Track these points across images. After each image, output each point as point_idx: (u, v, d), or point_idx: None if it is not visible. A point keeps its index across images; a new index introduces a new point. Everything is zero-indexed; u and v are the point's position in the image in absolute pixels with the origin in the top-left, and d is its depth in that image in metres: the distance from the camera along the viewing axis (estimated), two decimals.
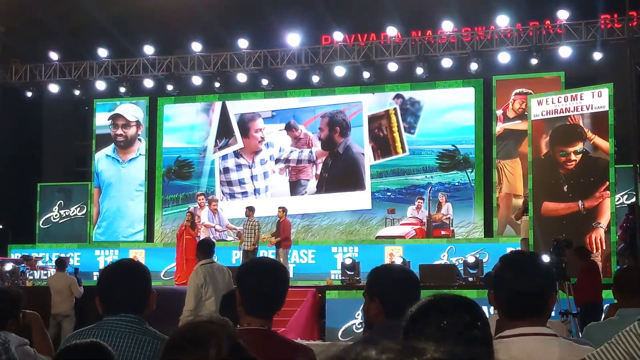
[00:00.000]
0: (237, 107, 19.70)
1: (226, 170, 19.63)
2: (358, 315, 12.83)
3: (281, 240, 14.95)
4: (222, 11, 18.44)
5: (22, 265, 15.87)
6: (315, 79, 18.29)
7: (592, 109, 13.01)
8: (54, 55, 19.70)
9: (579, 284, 10.03)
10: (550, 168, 13.39)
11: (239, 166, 19.55)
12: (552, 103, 13.48)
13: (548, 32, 16.98)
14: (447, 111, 18.34)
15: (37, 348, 4.10)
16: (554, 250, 9.77)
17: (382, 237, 17.15)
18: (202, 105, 20.02)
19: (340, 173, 18.91)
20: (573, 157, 13.10)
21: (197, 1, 18.25)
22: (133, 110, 20.26)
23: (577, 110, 13.20)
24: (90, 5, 17.78)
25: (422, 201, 17.66)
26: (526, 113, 14.64)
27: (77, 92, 19.76)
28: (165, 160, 20.08)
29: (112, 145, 20.27)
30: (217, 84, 18.92)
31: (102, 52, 19.53)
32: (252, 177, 19.47)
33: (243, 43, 18.67)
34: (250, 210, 15.40)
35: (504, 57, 17.22)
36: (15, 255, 17.73)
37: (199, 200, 18.57)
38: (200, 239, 13.18)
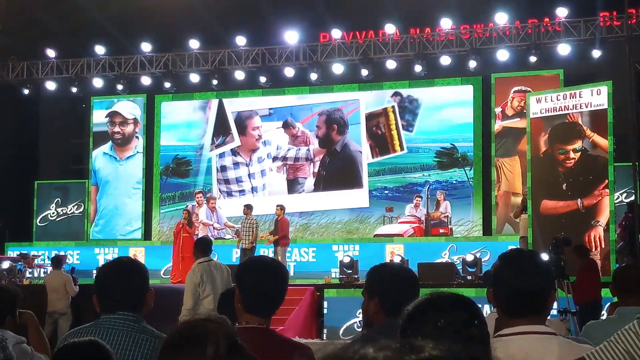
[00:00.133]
0: (234, 105, 19.67)
1: (223, 169, 19.60)
2: (359, 313, 12.81)
3: (279, 239, 14.93)
4: (220, 8, 18.42)
5: (20, 263, 15.85)
6: (314, 76, 18.26)
7: (591, 106, 12.99)
8: (51, 53, 19.65)
9: (578, 283, 10.02)
10: (549, 166, 13.37)
11: (236, 164, 19.52)
12: (551, 101, 13.46)
13: (547, 29, 16.97)
14: (446, 109, 18.32)
15: (33, 347, 4.09)
16: (553, 249, 9.77)
17: (380, 235, 17.14)
18: (199, 103, 19.99)
19: (338, 171, 18.89)
20: (572, 155, 13.08)
21: None
22: (130, 108, 20.22)
23: (576, 108, 13.18)
24: (87, 3, 17.74)
25: (420, 199, 17.64)
26: (525, 111, 14.63)
27: (74, 90, 19.69)
28: (162, 158, 20.05)
29: (110, 142, 20.24)
30: (214, 82, 18.89)
31: (100, 50, 19.48)
32: (249, 175, 19.45)
33: (241, 40, 18.63)
34: (248, 208, 15.38)
35: (502, 55, 17.20)
36: (13, 253, 17.70)
37: (197, 198, 18.52)
38: (198, 237, 13.16)
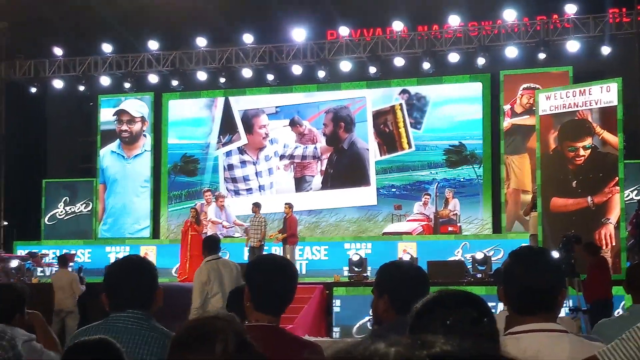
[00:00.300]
0: (240, 103, 19.66)
1: (230, 167, 19.59)
2: (371, 311, 12.75)
3: (288, 237, 14.91)
4: (227, 6, 18.43)
5: (28, 262, 15.89)
6: (321, 74, 18.24)
7: (600, 103, 12.91)
8: (58, 51, 19.68)
9: (589, 281, 9.96)
10: (559, 163, 13.31)
11: (243, 163, 19.51)
12: (560, 98, 13.39)
13: (556, 26, 16.90)
14: (454, 106, 18.27)
15: (42, 345, 4.09)
16: (563, 247, 9.72)
17: (388, 233, 17.10)
18: (206, 101, 19.99)
19: (345, 169, 18.87)
20: (582, 152, 13.01)
21: None
22: (138, 106, 20.23)
23: (585, 105, 13.10)
24: (94, 1, 17.76)
25: (428, 197, 17.60)
26: (534, 108, 14.55)
27: (81, 88, 19.74)
28: (170, 156, 20.05)
29: (117, 141, 20.25)
30: (222, 80, 18.89)
31: (107, 48, 19.49)
32: (256, 173, 19.43)
33: (248, 38, 18.63)
34: (256, 206, 15.36)
35: (511, 52, 17.14)
36: (21, 252, 17.74)
37: (206, 196, 18.48)
38: (207, 235, 13.14)
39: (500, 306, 5.38)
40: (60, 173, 21.02)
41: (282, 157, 19.27)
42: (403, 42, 17.85)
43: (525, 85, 17.34)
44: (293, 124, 19.22)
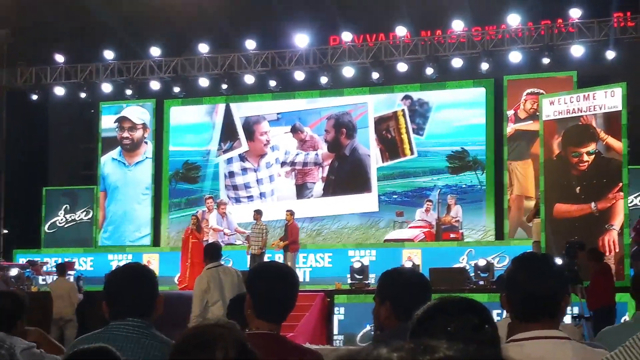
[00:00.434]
0: (241, 110, 19.62)
1: (231, 174, 19.55)
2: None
3: (289, 244, 14.88)
4: (229, 12, 18.42)
5: (28, 270, 15.87)
6: (324, 79, 18.23)
7: (605, 108, 12.87)
8: (59, 58, 19.69)
9: (592, 287, 9.91)
10: (563, 169, 13.27)
11: (244, 170, 19.47)
12: (564, 103, 13.35)
13: (560, 30, 16.86)
14: (457, 112, 18.22)
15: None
16: (566, 253, 9.67)
17: (390, 240, 17.04)
18: (207, 108, 19.97)
19: (347, 175, 18.83)
20: (585, 158, 12.97)
21: (204, 2, 18.23)
22: (139, 113, 20.21)
23: (589, 110, 13.06)
24: (96, 7, 17.77)
25: (431, 204, 17.54)
26: (538, 113, 14.50)
27: (83, 95, 19.75)
28: (172, 163, 20.01)
29: (119, 148, 20.23)
30: (224, 86, 18.88)
31: (108, 54, 19.49)
32: (257, 180, 19.39)
33: (250, 44, 18.62)
34: (258, 213, 15.33)
35: (515, 57, 17.11)
36: (22, 260, 17.70)
37: (208, 203, 18.39)
38: (208, 242, 13.11)
39: (505, 313, 5.34)
40: (62, 180, 20.99)
41: (283, 164, 19.23)
42: (406, 48, 17.82)
43: (529, 90, 17.30)
44: (294, 130, 19.19)
